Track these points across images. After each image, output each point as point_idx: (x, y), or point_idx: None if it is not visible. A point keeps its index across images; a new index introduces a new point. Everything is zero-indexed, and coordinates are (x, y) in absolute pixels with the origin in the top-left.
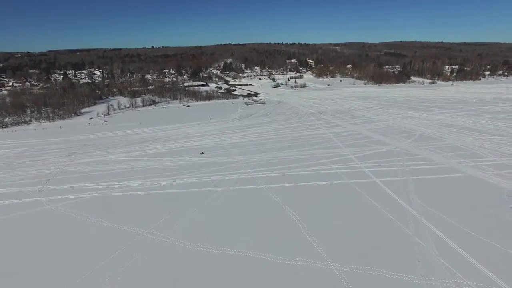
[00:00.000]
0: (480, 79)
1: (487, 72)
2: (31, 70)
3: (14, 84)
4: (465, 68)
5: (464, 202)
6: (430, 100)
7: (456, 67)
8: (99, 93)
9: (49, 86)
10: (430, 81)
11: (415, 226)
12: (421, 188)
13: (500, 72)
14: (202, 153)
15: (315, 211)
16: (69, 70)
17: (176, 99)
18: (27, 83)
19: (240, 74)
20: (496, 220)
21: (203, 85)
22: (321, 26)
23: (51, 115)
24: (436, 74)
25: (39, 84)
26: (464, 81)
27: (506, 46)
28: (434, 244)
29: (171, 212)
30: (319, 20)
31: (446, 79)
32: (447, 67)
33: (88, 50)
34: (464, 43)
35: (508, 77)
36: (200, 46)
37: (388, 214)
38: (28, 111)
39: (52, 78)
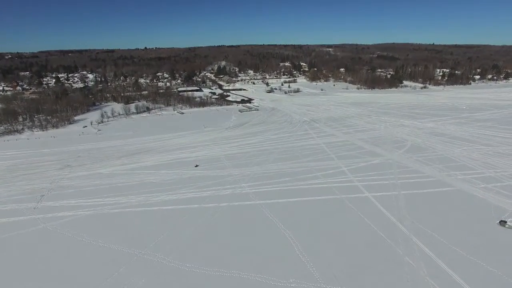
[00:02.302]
0: (470, 83)
1: (477, 77)
2: (22, 73)
3: (5, 88)
4: (456, 72)
5: (452, 218)
6: (421, 106)
7: (447, 70)
8: (93, 98)
9: (41, 90)
10: (422, 85)
11: (405, 244)
12: (412, 203)
13: (490, 76)
14: (196, 165)
15: (309, 229)
16: (61, 73)
17: (170, 105)
18: (18, 87)
19: (234, 78)
20: (483, 237)
21: (197, 90)
22: (315, 26)
23: (44, 123)
24: (427, 78)
25: (30, 89)
26: (455, 86)
27: (496, 49)
28: (423, 263)
29: (167, 230)
30: (313, 20)
31: (437, 83)
32: (438, 70)
33: (80, 52)
34: (455, 45)
35: (497, 82)
36: (194, 48)
37: (380, 232)
38: (20, 119)
39: (44, 82)
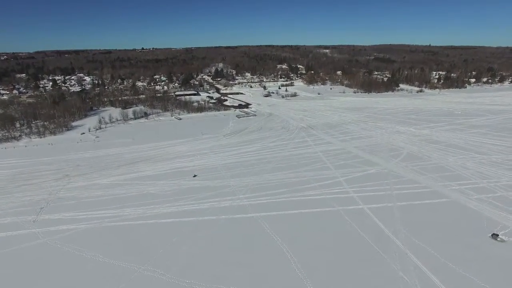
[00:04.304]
0: (465, 87)
1: (473, 80)
2: (19, 75)
3: (1, 92)
4: (452, 75)
5: (446, 231)
6: (417, 111)
7: (443, 73)
8: (90, 103)
9: (38, 94)
10: (418, 89)
11: (400, 259)
12: (407, 215)
13: (485, 79)
14: (195, 175)
15: (305, 243)
16: (58, 76)
17: (168, 110)
18: (15, 91)
19: (231, 82)
20: (475, 251)
21: (194, 94)
22: (312, 26)
23: (41, 129)
24: (424, 82)
25: (27, 92)
26: (451, 89)
27: (491, 50)
28: (418, 279)
29: (167, 245)
30: (311, 20)
31: (433, 87)
32: (434, 73)
33: (77, 52)
34: (451, 47)
35: (492, 85)
36: (191, 49)
37: (375, 246)
38: (18, 124)
39: (41, 85)
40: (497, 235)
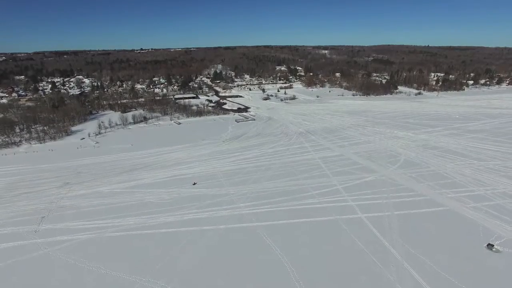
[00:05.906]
0: (463, 89)
1: (471, 82)
2: (17, 77)
3: (0, 94)
4: (450, 77)
5: (443, 241)
6: (415, 115)
7: (442, 74)
8: (89, 107)
9: (37, 97)
10: (416, 91)
11: (397, 270)
12: (404, 225)
13: (483, 81)
14: (194, 183)
15: (304, 254)
16: (57, 78)
17: (167, 114)
18: (14, 94)
19: (230, 84)
20: (471, 262)
21: (193, 97)
22: (311, 26)
23: (41, 134)
24: (422, 84)
25: (26, 95)
26: (449, 92)
27: (489, 51)
28: None
29: (167, 256)
30: (309, 19)
31: (431, 89)
32: (433, 74)
33: (75, 53)
34: (450, 47)
35: (490, 87)
36: (190, 50)
37: (372, 256)
38: (17, 129)
39: (40, 88)
40: (493, 245)
